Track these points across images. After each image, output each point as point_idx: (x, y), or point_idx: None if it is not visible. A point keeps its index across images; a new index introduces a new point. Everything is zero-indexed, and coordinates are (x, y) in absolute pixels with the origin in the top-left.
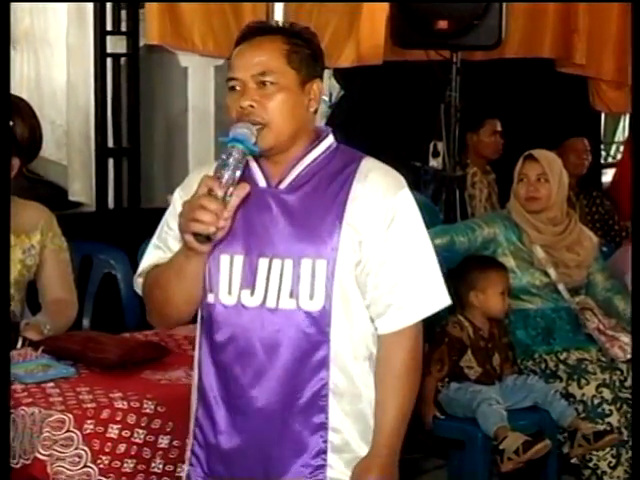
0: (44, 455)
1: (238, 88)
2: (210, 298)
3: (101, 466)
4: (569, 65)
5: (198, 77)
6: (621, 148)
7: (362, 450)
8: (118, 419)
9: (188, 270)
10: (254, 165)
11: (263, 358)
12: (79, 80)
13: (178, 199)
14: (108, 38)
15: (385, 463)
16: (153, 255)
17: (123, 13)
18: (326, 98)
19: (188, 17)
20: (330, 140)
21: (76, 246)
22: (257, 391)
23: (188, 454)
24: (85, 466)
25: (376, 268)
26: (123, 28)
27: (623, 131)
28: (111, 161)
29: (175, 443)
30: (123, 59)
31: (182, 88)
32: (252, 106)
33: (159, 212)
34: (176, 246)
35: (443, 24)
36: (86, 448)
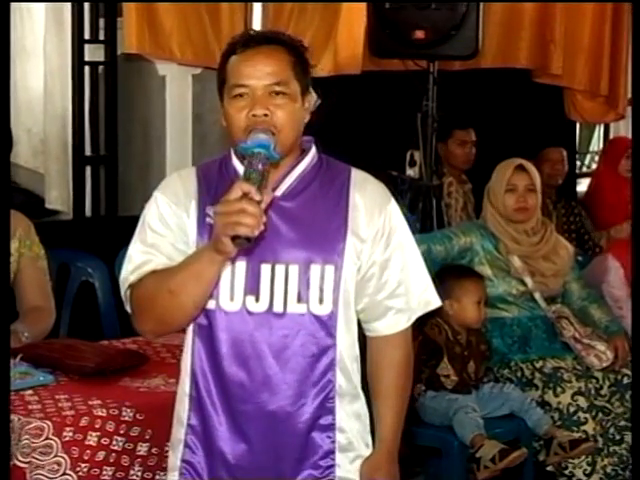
0: (23, 462)
1: (246, 96)
2: (210, 304)
3: (80, 474)
4: (545, 75)
5: (176, 86)
6: (596, 158)
7: (361, 448)
8: (97, 427)
9: (210, 274)
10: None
11: (272, 362)
12: (56, 88)
13: (162, 203)
14: (86, 46)
15: (392, 459)
16: (142, 261)
17: (101, 21)
18: None
19: (166, 26)
20: (314, 151)
21: (53, 254)
22: (266, 396)
23: (177, 463)
24: (64, 474)
25: (378, 272)
26: (101, 36)
27: (598, 141)
28: (88, 169)
29: (154, 450)
30: (101, 67)
31: (160, 97)
32: (266, 115)
33: (137, 220)
34: (170, 251)
35: (420, 34)
36: (65, 456)
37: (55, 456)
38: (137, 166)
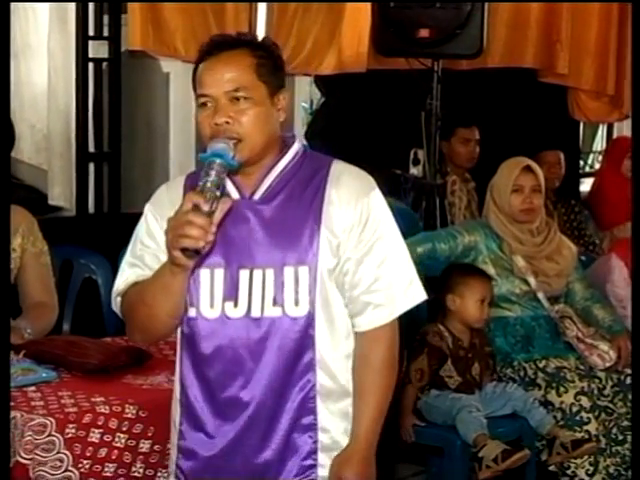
0: (26, 459)
1: (210, 104)
2: (191, 312)
3: (82, 470)
4: (551, 75)
5: (180, 83)
6: (599, 158)
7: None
8: (100, 423)
9: (175, 285)
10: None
11: (251, 366)
12: (60, 84)
13: (150, 216)
14: (90, 43)
15: (364, 457)
16: (130, 273)
17: (105, 18)
18: (306, 105)
19: (170, 23)
20: (297, 146)
21: (57, 250)
22: (247, 398)
23: (172, 467)
24: (66, 470)
25: (353, 268)
26: (105, 33)
27: (601, 141)
28: (92, 165)
29: (156, 448)
30: (105, 64)
31: (164, 94)
32: (227, 122)
33: (140, 217)
34: (154, 263)
35: (425, 32)
36: (67, 452)
37: (58, 452)
38: (140, 163)
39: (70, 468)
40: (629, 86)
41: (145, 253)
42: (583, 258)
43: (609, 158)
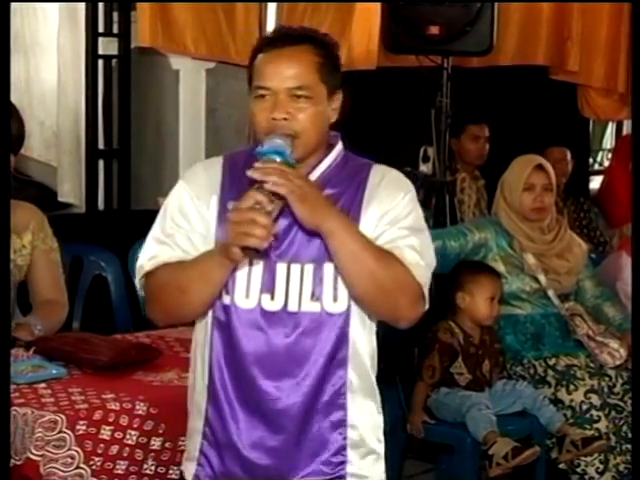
0: (36, 455)
1: (268, 97)
2: (226, 299)
3: (93, 467)
4: (562, 72)
5: (189, 80)
6: (608, 155)
7: (373, 443)
8: (110, 420)
9: (217, 277)
10: None
11: (285, 360)
12: (70, 81)
13: (185, 194)
14: (100, 40)
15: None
16: (158, 251)
17: (115, 15)
18: None
19: (180, 20)
20: (340, 147)
21: (67, 247)
22: (278, 392)
23: (195, 454)
24: (77, 467)
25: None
26: (115, 30)
27: (610, 138)
28: (101, 162)
29: (167, 445)
30: (114, 61)
31: (173, 91)
32: (285, 119)
33: (149, 214)
34: (186, 244)
35: (435, 29)
36: (78, 449)
37: (69, 449)
38: (150, 160)
39: (82, 465)
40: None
41: (177, 233)
42: (593, 256)
43: (618, 156)
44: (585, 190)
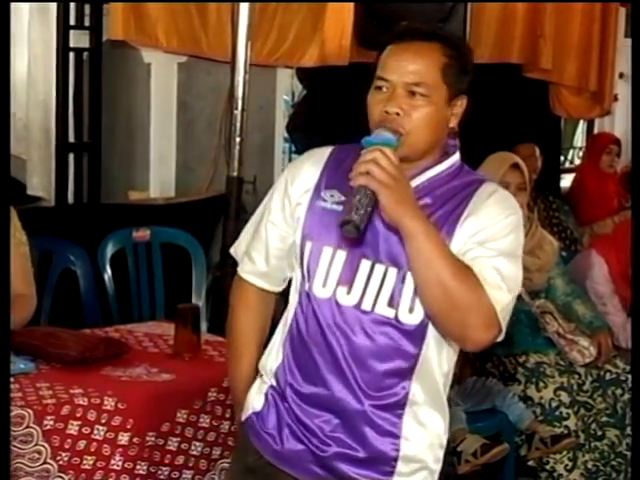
0: None
1: (385, 90)
2: (305, 285)
3: (60, 463)
4: (535, 70)
5: (161, 74)
6: (579, 153)
7: (428, 460)
8: (78, 415)
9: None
10: None
11: (347, 356)
12: (40, 74)
13: (286, 183)
14: (71, 32)
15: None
16: (251, 253)
17: (87, 7)
18: (288, 98)
19: (152, 13)
20: (456, 157)
21: (35, 241)
22: (335, 386)
23: (264, 387)
24: (44, 462)
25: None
26: (86, 23)
27: (582, 136)
28: (71, 156)
29: (135, 440)
30: (86, 54)
31: (145, 84)
32: (398, 114)
33: (119, 208)
34: (273, 250)
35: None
36: (46, 444)
37: (35, 445)
38: (120, 154)
39: (49, 460)
40: (610, 82)
41: (269, 235)
42: (564, 254)
43: (589, 154)
44: (556, 188)
